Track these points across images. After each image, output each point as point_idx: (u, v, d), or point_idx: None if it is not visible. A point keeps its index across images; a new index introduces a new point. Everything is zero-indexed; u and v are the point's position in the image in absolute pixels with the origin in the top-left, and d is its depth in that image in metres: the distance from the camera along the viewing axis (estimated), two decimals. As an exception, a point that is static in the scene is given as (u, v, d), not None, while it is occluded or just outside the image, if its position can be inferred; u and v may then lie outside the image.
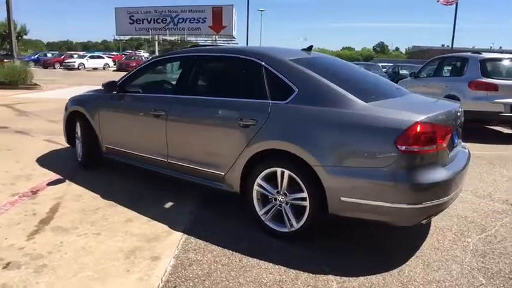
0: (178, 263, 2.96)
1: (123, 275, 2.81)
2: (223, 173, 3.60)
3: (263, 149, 3.25)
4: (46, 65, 35.45)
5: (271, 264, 2.94)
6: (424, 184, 2.76)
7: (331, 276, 2.79)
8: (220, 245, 3.22)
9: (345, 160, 2.90)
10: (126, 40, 42.37)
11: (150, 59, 4.71)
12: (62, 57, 37.73)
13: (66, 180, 4.84)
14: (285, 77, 3.32)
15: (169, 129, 3.98)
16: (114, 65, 37.53)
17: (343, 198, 2.91)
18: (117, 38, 43.50)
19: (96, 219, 3.76)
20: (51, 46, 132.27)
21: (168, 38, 41.14)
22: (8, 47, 21.23)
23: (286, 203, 3.22)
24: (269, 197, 3.32)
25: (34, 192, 4.44)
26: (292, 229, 3.21)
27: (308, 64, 3.48)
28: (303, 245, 3.21)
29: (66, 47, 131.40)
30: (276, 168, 3.21)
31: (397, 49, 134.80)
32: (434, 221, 3.70)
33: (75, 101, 5.24)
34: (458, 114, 3.37)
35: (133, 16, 40.36)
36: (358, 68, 4.33)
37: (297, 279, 2.77)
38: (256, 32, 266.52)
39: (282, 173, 3.17)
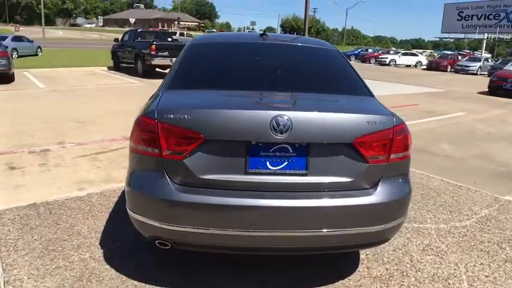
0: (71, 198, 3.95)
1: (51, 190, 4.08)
2: None
3: None
4: (364, 59, 38.71)
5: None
6: (132, 192, 2.38)
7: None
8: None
9: None
10: (451, 38, 40.01)
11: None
12: (378, 53, 40.03)
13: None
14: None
15: None
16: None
17: None
18: (441, 36, 41.56)
19: (93, 166, 5.11)
20: (402, 44, 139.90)
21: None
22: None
23: None
24: None
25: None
26: None
27: (211, 49, 3.31)
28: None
29: (417, 44, 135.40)
30: None
31: None
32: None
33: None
34: (279, 123, 2.21)
35: (462, 12, 37.47)
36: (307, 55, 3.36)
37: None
38: None
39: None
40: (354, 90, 2.92)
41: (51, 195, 3.91)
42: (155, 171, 2.29)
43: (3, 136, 6.00)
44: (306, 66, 3.25)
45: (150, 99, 2.72)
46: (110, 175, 4.57)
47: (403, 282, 2.75)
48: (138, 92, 11.04)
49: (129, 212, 2.42)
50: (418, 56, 38.45)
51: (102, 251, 2.94)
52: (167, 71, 15.57)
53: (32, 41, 23.83)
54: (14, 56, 19.33)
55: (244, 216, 2.25)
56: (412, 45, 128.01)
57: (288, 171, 2.30)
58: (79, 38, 54.49)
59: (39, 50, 23.99)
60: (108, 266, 2.74)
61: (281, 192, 2.29)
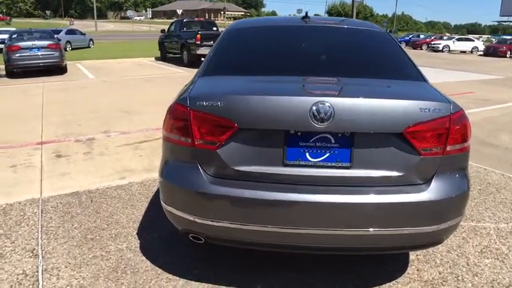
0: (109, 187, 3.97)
1: (95, 177, 4.14)
2: None
3: None
4: (415, 45, 36.95)
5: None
6: (165, 182, 2.28)
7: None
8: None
9: None
10: (511, 22, 37.34)
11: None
12: (430, 38, 38.00)
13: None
14: None
15: None
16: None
17: None
18: (499, 20, 38.78)
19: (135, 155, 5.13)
20: (457, 29, 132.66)
21: None
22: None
23: None
24: None
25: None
26: None
27: (249, 33, 3.17)
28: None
29: (473, 29, 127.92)
30: None
31: None
32: None
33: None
34: (320, 110, 2.02)
35: (524, -7, 34.73)
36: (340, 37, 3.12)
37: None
38: None
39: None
40: (404, 74, 2.65)
41: (93, 184, 3.96)
42: (188, 161, 2.19)
43: (53, 125, 6.21)
44: (350, 49, 3.01)
45: (185, 86, 2.61)
46: (151, 164, 4.57)
47: (458, 287, 2.49)
48: (183, 82, 10.95)
49: (162, 203, 2.34)
50: (474, 41, 36.04)
51: (139, 241, 2.90)
52: (211, 60, 15.69)
53: (85, 34, 24.83)
54: (68, 49, 20.34)
55: (282, 212, 2.09)
56: (468, 30, 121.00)
57: (329, 164, 2.11)
58: (129, 30, 56.23)
59: (91, 42, 24.96)
60: (143, 258, 2.70)
61: (322, 187, 2.10)
